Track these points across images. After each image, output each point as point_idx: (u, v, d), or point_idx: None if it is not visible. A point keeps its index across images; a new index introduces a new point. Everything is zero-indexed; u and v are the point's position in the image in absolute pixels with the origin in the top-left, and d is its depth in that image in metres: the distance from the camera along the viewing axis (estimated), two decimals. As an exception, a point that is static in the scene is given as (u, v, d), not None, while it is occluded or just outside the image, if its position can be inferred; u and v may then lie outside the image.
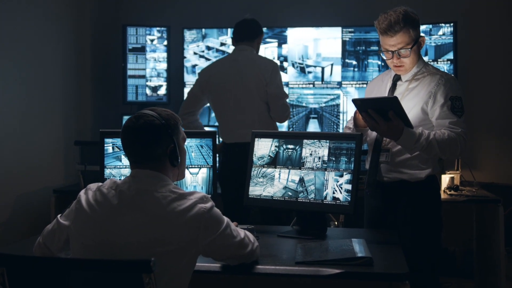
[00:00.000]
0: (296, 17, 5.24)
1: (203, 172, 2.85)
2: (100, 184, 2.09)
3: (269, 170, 2.82)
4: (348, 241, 2.42)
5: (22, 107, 4.29)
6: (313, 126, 5.06)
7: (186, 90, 5.11)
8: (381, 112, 2.65)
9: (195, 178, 2.84)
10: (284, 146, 2.81)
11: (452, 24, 4.80)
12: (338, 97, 5.04)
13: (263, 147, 2.85)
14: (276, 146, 2.83)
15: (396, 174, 2.88)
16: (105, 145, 2.79)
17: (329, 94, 5.05)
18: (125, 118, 4.91)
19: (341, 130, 5.05)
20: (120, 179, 2.08)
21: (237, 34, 4.17)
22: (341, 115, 5.02)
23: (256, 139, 2.87)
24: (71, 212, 2.06)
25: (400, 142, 2.70)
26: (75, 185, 4.56)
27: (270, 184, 2.80)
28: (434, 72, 2.88)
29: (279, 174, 2.79)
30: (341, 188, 2.65)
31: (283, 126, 4.84)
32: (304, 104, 5.06)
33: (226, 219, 2.07)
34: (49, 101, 4.65)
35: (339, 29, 5.00)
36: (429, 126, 2.84)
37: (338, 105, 5.04)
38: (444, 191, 4.24)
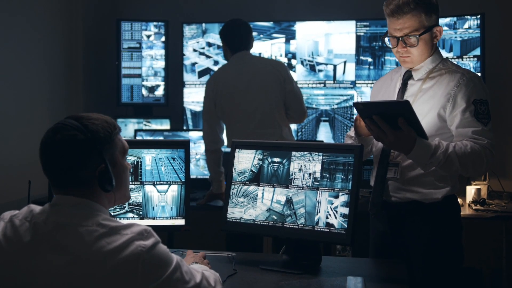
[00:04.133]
0: (306, 10, 4.90)
1: (173, 190, 2.40)
2: (16, 212, 1.65)
3: (251, 188, 2.35)
4: (343, 280, 1.96)
5: (2, 109, 3.88)
6: (324, 130, 4.73)
7: (186, 91, 4.84)
8: (388, 118, 2.18)
9: (164, 197, 2.39)
10: (269, 159, 2.33)
11: (479, 16, 4.35)
12: (351, 98, 4.67)
13: (245, 160, 2.37)
14: (259, 159, 2.35)
15: (407, 194, 2.40)
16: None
17: (342, 95, 4.69)
18: (119, 121, 4.61)
19: (351, 130, 4.60)
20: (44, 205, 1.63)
21: (232, 46, 3.92)
22: (354, 117, 4.54)
23: (237, 150, 2.40)
24: (-21, 249, 1.61)
25: (411, 156, 2.22)
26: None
27: (252, 205, 2.33)
28: (454, 70, 2.39)
29: (263, 193, 2.32)
30: (336, 212, 2.16)
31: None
32: (314, 106, 4.72)
33: (175, 258, 1.61)
34: (35, 103, 4.28)
35: (353, 22, 4.65)
36: (448, 136, 2.36)
37: (351, 107, 4.67)
38: (469, 205, 3.76)
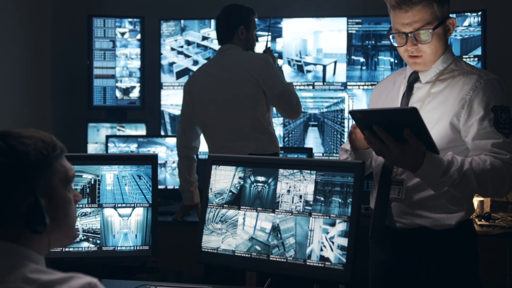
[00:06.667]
0: (293, 6, 4.65)
1: (138, 214, 2.02)
2: None
3: (230, 212, 1.98)
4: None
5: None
6: (312, 136, 4.45)
7: (164, 93, 4.56)
8: (391, 129, 1.83)
9: (126, 223, 2.01)
10: (252, 178, 1.96)
11: (480, 13, 4.12)
12: (342, 100, 4.41)
13: (223, 179, 2.01)
14: (240, 178, 1.98)
15: (414, 219, 2.05)
16: None
17: (332, 97, 4.43)
18: (91, 126, 4.33)
19: (346, 142, 4.27)
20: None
21: (217, 35, 3.50)
22: (346, 122, 4.37)
23: (214, 166, 2.03)
24: None
25: (420, 174, 1.87)
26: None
27: (232, 233, 1.96)
28: (469, 71, 2.04)
29: (244, 218, 1.95)
30: (333, 243, 1.80)
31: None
32: (302, 109, 4.31)
33: None
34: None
35: (344, 19, 4.41)
36: (462, 149, 2.01)
37: (342, 111, 4.42)
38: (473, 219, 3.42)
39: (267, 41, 3.66)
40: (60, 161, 1.32)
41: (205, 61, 4.45)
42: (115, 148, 4.11)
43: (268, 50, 3.52)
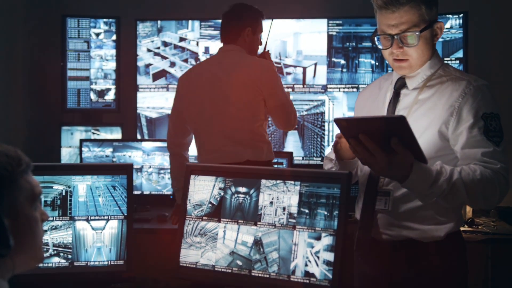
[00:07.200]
0: (273, 7, 4.49)
1: (112, 227, 1.92)
2: None
3: (210, 225, 1.88)
4: None
5: None
6: (292, 139, 4.37)
7: (140, 95, 4.45)
8: (378, 138, 1.74)
9: (100, 236, 1.90)
10: (233, 189, 1.86)
11: (461, 15, 4.06)
12: (322, 103, 4.34)
13: (202, 189, 1.91)
14: (220, 189, 1.89)
15: (401, 231, 1.97)
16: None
17: (312, 100, 4.37)
18: (65, 129, 4.22)
19: (327, 145, 4.19)
20: None
21: (221, 32, 3.34)
22: (326, 125, 4.31)
23: (192, 176, 1.93)
24: None
25: (407, 185, 1.79)
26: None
27: (211, 246, 1.86)
28: (458, 77, 1.97)
29: (224, 231, 1.85)
30: (318, 257, 1.71)
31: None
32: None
33: None
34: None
35: (324, 21, 4.33)
36: (450, 158, 1.94)
37: (322, 113, 4.34)
38: (455, 225, 3.38)
39: (265, 44, 3.53)
40: (26, 177, 1.21)
41: (183, 63, 4.35)
42: (89, 152, 3.98)
43: (266, 54, 3.40)
